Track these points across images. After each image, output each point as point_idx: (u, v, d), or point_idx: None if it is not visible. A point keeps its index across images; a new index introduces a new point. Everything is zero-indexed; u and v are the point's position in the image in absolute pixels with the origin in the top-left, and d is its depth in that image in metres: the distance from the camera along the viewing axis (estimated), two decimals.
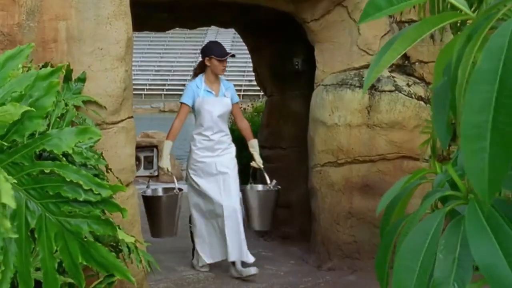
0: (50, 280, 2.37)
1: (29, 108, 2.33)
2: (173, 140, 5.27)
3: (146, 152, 12.01)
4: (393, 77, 5.19)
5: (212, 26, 6.69)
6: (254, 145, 5.55)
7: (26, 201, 2.40)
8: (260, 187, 5.57)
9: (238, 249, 5.14)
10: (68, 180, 2.40)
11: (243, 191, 5.44)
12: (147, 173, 12.04)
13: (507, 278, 0.85)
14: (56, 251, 2.40)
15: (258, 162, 5.46)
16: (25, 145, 2.43)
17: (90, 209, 2.44)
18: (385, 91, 5.14)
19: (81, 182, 2.42)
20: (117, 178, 3.54)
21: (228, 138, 5.42)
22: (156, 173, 12.06)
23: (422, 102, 5.13)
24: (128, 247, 2.99)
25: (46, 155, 2.84)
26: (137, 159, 10.67)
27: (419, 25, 0.97)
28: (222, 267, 5.38)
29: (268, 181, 5.41)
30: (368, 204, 5.07)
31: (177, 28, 7.16)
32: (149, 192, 5.26)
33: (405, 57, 5.22)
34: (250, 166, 5.54)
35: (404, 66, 5.27)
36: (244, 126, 5.59)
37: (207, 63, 5.36)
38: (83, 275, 2.44)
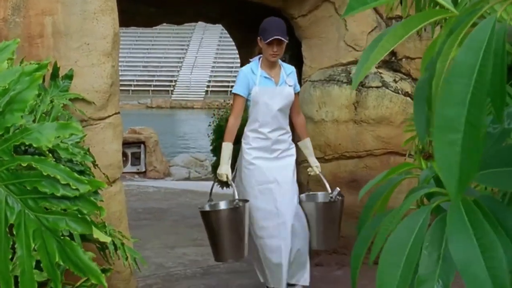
0: (27, 279, 2.31)
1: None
2: (231, 141, 4.24)
3: (133, 148, 11.99)
4: (380, 73, 5.21)
5: (199, 22, 6.67)
6: (308, 146, 4.55)
7: (6, 197, 2.37)
8: (320, 196, 4.50)
9: (301, 273, 4.32)
10: (45, 174, 2.36)
11: (299, 202, 4.39)
12: (134, 169, 12.04)
13: (481, 274, 0.86)
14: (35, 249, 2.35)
15: (315, 166, 4.50)
16: (4, 140, 2.40)
17: (67, 206, 2.39)
18: (372, 87, 5.15)
19: (58, 177, 2.36)
20: (104, 174, 3.52)
21: (289, 137, 4.38)
22: (143, 169, 12.05)
23: (409, 98, 5.15)
24: (114, 244, 2.98)
25: (32, 150, 2.83)
26: (124, 155, 10.64)
27: (406, 22, 0.98)
28: (211, 262, 5.38)
29: (329, 189, 4.33)
30: (355, 199, 5.06)
31: (164, 24, 7.14)
32: (207, 207, 4.18)
33: (392, 53, 5.24)
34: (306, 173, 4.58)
35: (391, 62, 5.29)
36: (300, 122, 4.57)
37: (259, 44, 4.34)
38: (60, 276, 2.38)
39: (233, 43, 7.36)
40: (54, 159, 2.81)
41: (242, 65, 7.38)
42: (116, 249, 2.99)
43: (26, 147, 2.61)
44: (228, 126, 4.30)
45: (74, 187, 2.40)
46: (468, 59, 0.83)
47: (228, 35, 7.59)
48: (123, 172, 4.36)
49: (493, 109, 0.90)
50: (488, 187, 1.28)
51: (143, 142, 12.05)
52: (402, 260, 0.97)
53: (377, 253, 1.14)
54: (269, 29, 4.23)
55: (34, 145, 2.43)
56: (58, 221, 2.37)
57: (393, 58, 5.29)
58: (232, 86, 4.53)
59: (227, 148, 4.23)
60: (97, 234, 2.51)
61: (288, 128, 4.38)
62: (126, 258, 3.07)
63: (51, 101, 3.51)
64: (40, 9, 3.73)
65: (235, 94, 4.31)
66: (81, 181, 2.44)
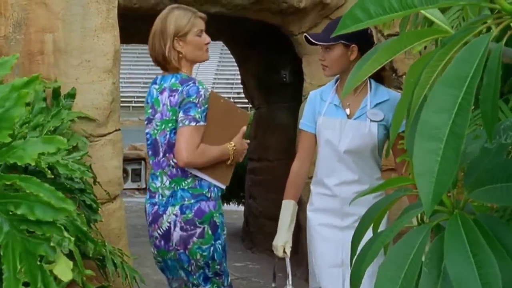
0: None
1: None
2: (293, 197, 2.99)
3: (134, 165, 11.99)
4: None
5: None
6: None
7: None
8: None
9: None
10: (28, 191, 2.28)
11: None
12: (134, 185, 12.02)
13: None
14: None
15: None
16: None
17: (44, 231, 2.31)
18: None
19: (41, 195, 2.28)
20: (105, 191, 3.52)
21: (375, 196, 2.59)
22: (143, 186, 12.03)
23: None
24: (114, 262, 2.96)
25: (33, 168, 2.82)
26: (125, 171, 10.63)
27: (400, 38, 0.99)
28: None
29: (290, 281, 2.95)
30: None
31: None
32: None
33: (393, 70, 5.25)
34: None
35: (392, 79, 5.30)
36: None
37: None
38: None
39: (234, 59, 7.38)
40: (53, 176, 2.80)
41: (242, 81, 7.39)
42: (115, 267, 2.97)
43: (26, 165, 2.60)
44: (289, 175, 3.07)
45: (56, 206, 2.29)
46: (460, 71, 0.84)
47: (229, 51, 7.61)
48: (124, 189, 4.35)
49: (484, 126, 0.90)
50: (485, 203, 1.28)
51: (144, 159, 12.05)
52: (401, 276, 0.96)
53: (366, 267, 1.14)
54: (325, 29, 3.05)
55: (19, 163, 2.36)
56: (37, 246, 2.30)
57: (394, 75, 5.30)
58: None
59: (286, 208, 2.96)
60: (57, 271, 2.37)
61: (375, 181, 2.87)
62: (126, 277, 3.05)
63: (62, 118, 3.50)
64: (40, 26, 3.75)
65: (300, 129, 3.10)
66: (65, 201, 2.34)
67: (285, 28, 5.42)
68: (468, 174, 1.09)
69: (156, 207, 2.91)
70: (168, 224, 2.86)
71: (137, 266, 3.80)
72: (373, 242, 1.14)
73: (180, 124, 2.79)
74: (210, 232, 2.84)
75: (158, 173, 2.91)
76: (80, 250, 2.55)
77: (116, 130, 3.96)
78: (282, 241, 2.87)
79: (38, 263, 2.29)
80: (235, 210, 9.22)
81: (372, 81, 2.91)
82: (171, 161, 2.86)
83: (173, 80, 2.90)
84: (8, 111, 2.34)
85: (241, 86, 7.59)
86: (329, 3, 4.95)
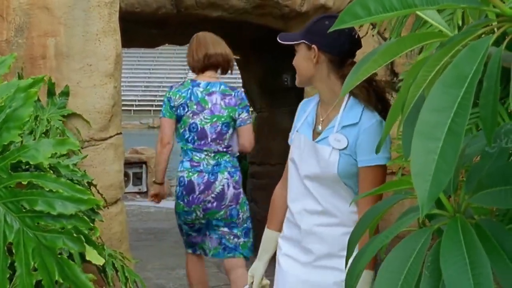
0: None
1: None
2: (274, 226, 2.58)
3: (135, 168, 11.96)
4: None
5: None
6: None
7: (4, 215, 2.36)
8: None
9: None
10: (47, 189, 2.35)
11: None
12: (136, 189, 12.00)
13: None
14: (35, 268, 2.34)
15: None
16: (1, 158, 2.39)
17: (63, 224, 2.38)
18: None
19: (61, 190, 2.35)
20: (101, 195, 3.51)
21: (342, 234, 2.27)
22: (144, 189, 12.02)
23: None
24: (114, 266, 2.96)
25: (33, 169, 2.82)
26: (126, 175, 10.63)
27: (400, 40, 0.98)
28: (212, 283, 5.35)
29: None
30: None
31: (166, 44, 7.17)
32: None
33: (394, 73, 5.25)
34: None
35: (393, 83, 5.30)
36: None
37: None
38: None
39: (235, 64, 7.38)
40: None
41: (244, 85, 7.39)
42: (116, 271, 2.97)
43: (27, 166, 2.61)
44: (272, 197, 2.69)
45: (74, 201, 2.37)
46: (460, 71, 0.83)
47: None
48: (125, 192, 4.35)
49: (484, 131, 0.90)
50: (486, 206, 1.28)
51: (145, 162, 12.03)
52: (401, 278, 0.96)
53: (362, 268, 1.14)
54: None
55: (31, 162, 2.42)
56: (55, 240, 2.36)
57: (395, 78, 5.30)
58: None
59: (264, 236, 2.62)
60: (90, 256, 2.46)
61: (348, 215, 2.31)
62: (126, 281, 3.05)
63: (48, 121, 3.52)
64: (42, 30, 3.76)
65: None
66: (84, 192, 2.43)
67: (287, 31, 5.43)
68: (470, 178, 1.09)
69: (206, 176, 3.92)
70: (222, 187, 3.93)
71: (138, 270, 3.80)
72: (370, 244, 1.14)
73: (247, 122, 4.06)
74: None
75: (204, 150, 3.94)
76: (80, 254, 2.56)
77: (117, 134, 3.96)
78: (251, 271, 2.57)
79: (59, 256, 2.36)
80: None
81: (352, 97, 2.35)
82: (218, 144, 3.96)
83: (222, 86, 4.05)
84: (16, 110, 2.39)
85: (243, 89, 7.59)
86: (331, 7, 4.96)
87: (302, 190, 2.39)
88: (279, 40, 2.44)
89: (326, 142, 2.32)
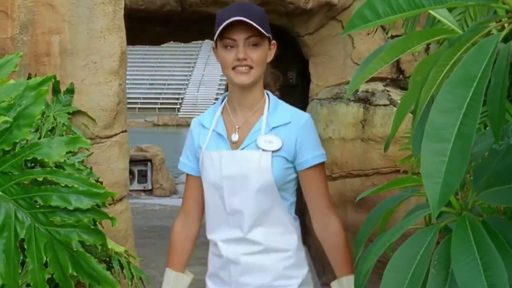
0: None
1: (7, 119, 2.31)
2: (176, 266, 2.38)
3: (140, 166, 11.99)
4: (388, 91, 5.20)
5: (206, 40, 6.69)
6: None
7: (15, 211, 2.37)
8: None
9: None
10: (62, 185, 2.36)
11: None
12: (140, 187, 12.03)
13: None
14: (46, 263, 2.36)
15: None
16: (14, 154, 2.41)
17: (79, 218, 2.40)
18: (379, 105, 5.14)
19: (76, 186, 2.37)
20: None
21: (280, 259, 2.14)
22: (149, 187, 12.04)
23: None
24: (120, 263, 2.97)
25: (39, 168, 2.83)
26: (131, 173, 10.65)
27: (407, 37, 0.98)
28: None
29: None
30: (362, 218, 5.03)
31: (171, 42, 7.17)
32: None
33: (400, 71, 5.24)
34: None
35: (399, 80, 5.29)
36: (330, 235, 2.42)
37: (216, 56, 2.27)
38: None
39: None
40: None
41: None
42: (122, 268, 2.98)
43: (33, 164, 2.62)
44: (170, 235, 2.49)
45: (90, 195, 2.38)
46: (468, 71, 0.83)
47: None
48: (130, 190, 4.35)
49: (491, 128, 0.89)
50: (492, 205, 1.27)
51: (150, 160, 12.05)
52: (407, 277, 0.96)
53: (369, 267, 1.13)
54: (224, 16, 2.14)
55: (45, 160, 2.44)
56: (69, 234, 2.38)
57: (401, 76, 5.29)
58: None
59: (164, 277, 2.35)
60: (111, 244, 2.51)
61: (282, 236, 2.17)
62: (132, 278, 3.05)
63: (54, 118, 3.53)
64: (47, 28, 3.76)
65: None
66: (98, 187, 2.44)
67: (291, 29, 5.42)
68: (477, 176, 1.08)
69: None
70: None
71: (142, 268, 3.79)
72: (377, 242, 1.14)
73: None
74: None
75: None
76: (86, 250, 2.56)
77: (122, 132, 3.96)
78: None
79: (74, 249, 2.37)
80: None
81: (272, 97, 2.20)
82: None
83: None
84: (27, 108, 2.40)
85: None
86: (336, 4, 4.95)
87: (226, 216, 2.12)
88: (248, 21, 2.06)
89: (253, 146, 2.07)
